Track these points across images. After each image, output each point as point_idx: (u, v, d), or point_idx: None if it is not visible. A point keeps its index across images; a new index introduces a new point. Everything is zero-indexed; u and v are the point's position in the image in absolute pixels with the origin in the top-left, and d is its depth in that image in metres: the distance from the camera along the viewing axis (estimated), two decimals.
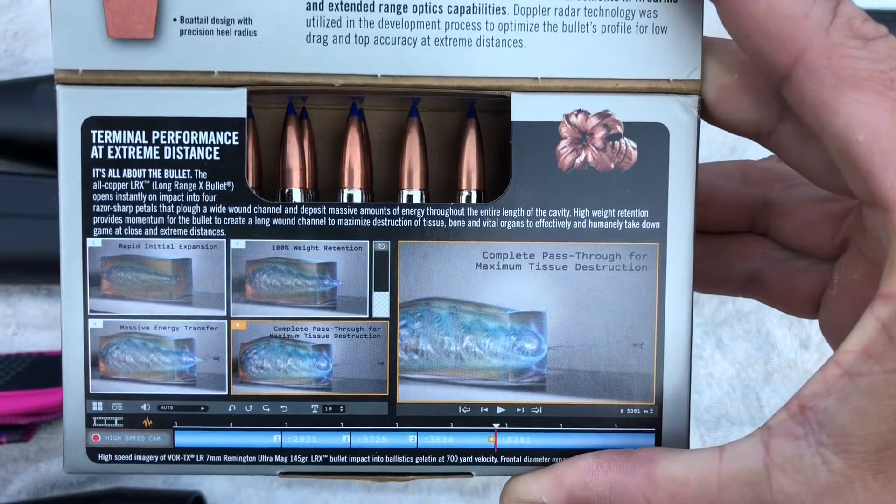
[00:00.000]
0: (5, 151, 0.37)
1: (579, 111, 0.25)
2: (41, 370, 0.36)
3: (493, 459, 0.26)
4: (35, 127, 0.36)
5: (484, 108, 0.27)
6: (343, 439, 0.26)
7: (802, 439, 0.22)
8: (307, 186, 0.27)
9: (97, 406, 0.26)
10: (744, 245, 0.29)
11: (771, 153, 0.30)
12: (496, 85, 0.25)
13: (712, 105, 0.25)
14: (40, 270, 0.36)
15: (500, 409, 0.26)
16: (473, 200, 0.27)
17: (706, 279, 0.30)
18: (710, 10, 0.25)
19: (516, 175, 0.25)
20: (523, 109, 0.25)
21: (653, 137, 0.25)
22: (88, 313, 0.26)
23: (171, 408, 0.26)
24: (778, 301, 0.29)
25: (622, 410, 0.26)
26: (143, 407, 0.26)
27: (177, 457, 0.26)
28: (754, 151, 0.28)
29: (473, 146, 0.27)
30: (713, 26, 0.26)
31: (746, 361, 0.42)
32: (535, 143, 0.25)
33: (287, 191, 0.27)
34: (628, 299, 0.26)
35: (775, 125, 0.25)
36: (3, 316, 0.40)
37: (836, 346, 0.22)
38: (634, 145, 0.25)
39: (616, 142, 0.25)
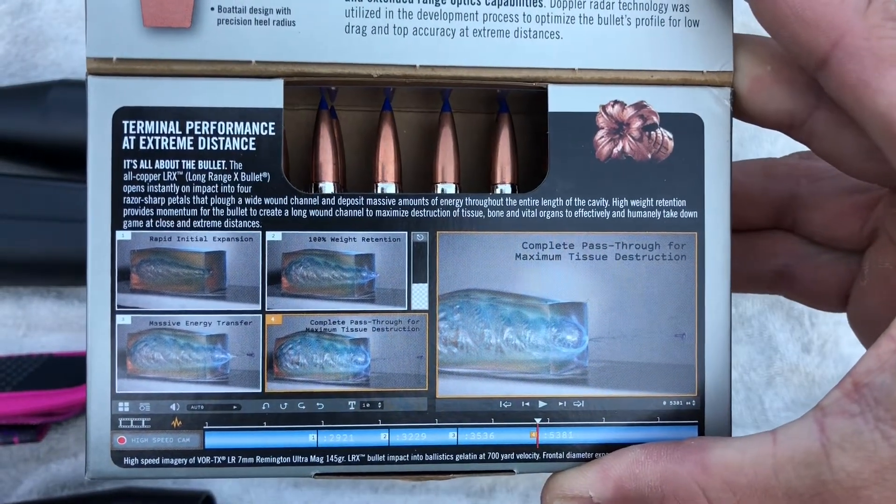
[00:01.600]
0: (16, 155, 0.36)
1: (616, 102, 0.26)
2: (53, 371, 0.35)
3: (535, 456, 0.25)
4: (46, 130, 0.35)
5: (512, 108, 0.28)
6: (381, 437, 0.25)
7: (859, 416, 0.22)
8: (339, 180, 0.27)
9: (124, 407, 0.25)
10: (770, 242, 0.30)
11: (792, 152, 0.30)
12: (533, 76, 0.25)
13: (745, 96, 0.26)
14: (51, 273, 0.36)
15: (541, 404, 0.25)
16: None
17: (734, 278, 0.30)
18: (738, 7, 0.26)
19: (554, 165, 0.25)
20: (560, 100, 0.25)
21: (688, 128, 0.26)
22: (116, 309, 0.25)
23: (202, 407, 0.25)
24: (806, 296, 0.29)
25: (665, 403, 0.26)
26: (173, 407, 0.25)
27: (207, 459, 0.25)
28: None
29: (507, 140, 0.27)
30: (741, 24, 0.26)
31: (749, 365, 0.43)
32: (572, 133, 0.25)
33: (319, 186, 0.26)
34: (669, 289, 0.26)
35: (809, 114, 0.25)
36: (14, 318, 0.39)
37: (867, 338, 0.22)
38: (671, 135, 0.26)
39: (653, 132, 0.26)
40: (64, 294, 0.39)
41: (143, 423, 0.25)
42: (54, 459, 0.38)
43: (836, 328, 0.44)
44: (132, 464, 0.25)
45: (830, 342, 0.44)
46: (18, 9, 0.40)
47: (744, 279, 0.30)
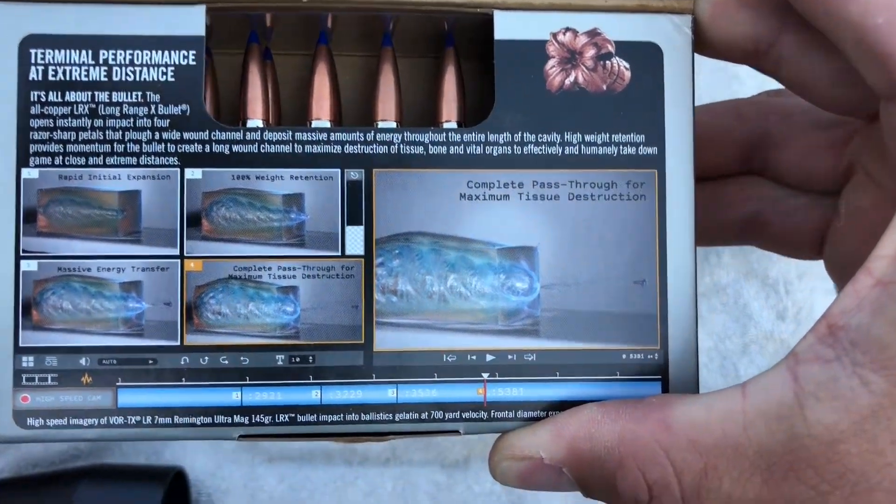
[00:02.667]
0: None
1: (567, 29, 0.24)
2: None
3: (483, 414, 0.23)
4: None
5: (463, 52, 0.25)
6: (313, 395, 0.23)
7: (835, 362, 0.19)
8: (270, 121, 0.25)
9: (28, 361, 0.22)
10: (739, 187, 0.28)
11: (759, 92, 0.28)
12: (479, 1, 0.23)
13: (707, 23, 0.24)
14: None
15: (489, 357, 0.23)
16: None
17: (701, 230, 0.28)
18: None
19: (501, 97, 0.23)
20: (508, 27, 0.23)
21: (646, 58, 0.24)
22: (21, 254, 0.22)
23: (115, 362, 0.23)
24: (780, 243, 0.27)
25: (624, 356, 0.23)
26: (83, 361, 0.23)
27: (120, 419, 0.23)
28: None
29: (453, 75, 0.25)
30: None
31: (724, 333, 0.41)
32: (520, 63, 0.23)
33: (245, 123, 0.24)
34: (626, 232, 0.23)
35: (775, 38, 0.23)
36: None
37: (846, 282, 0.20)
38: (627, 65, 0.24)
39: (607, 62, 0.24)
40: None
41: (49, 379, 0.22)
42: None
43: (811, 295, 0.44)
44: (37, 425, 0.22)
45: (805, 309, 0.43)
46: None
47: (713, 230, 0.28)
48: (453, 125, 0.25)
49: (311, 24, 0.25)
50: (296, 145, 0.23)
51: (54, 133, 0.23)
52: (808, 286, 0.46)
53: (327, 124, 0.24)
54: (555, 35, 0.24)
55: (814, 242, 0.27)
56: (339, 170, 0.23)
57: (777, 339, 0.43)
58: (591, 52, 0.24)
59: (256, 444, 0.36)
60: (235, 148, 0.23)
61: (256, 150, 0.23)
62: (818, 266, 0.48)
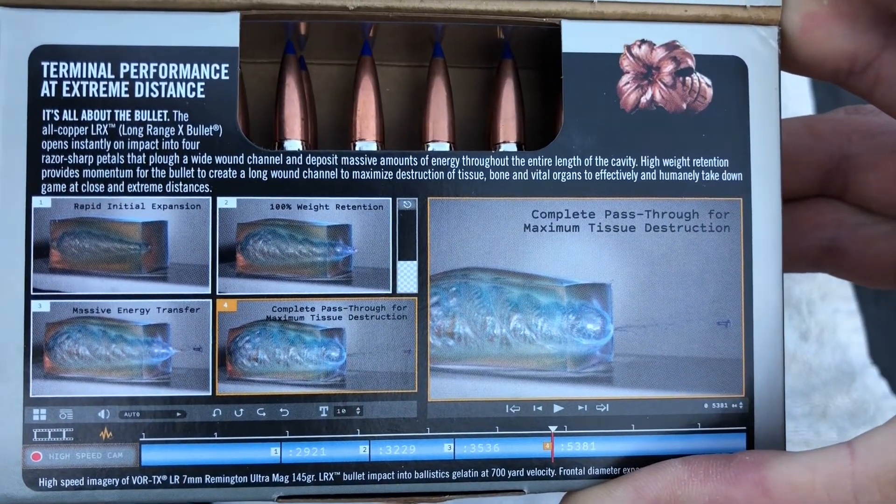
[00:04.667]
0: None
1: (643, 42, 0.21)
2: None
3: (550, 471, 0.21)
4: None
5: (518, 59, 0.23)
6: (360, 451, 0.20)
7: None
8: (308, 141, 0.22)
9: (40, 414, 0.20)
10: (815, 212, 0.25)
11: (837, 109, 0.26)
12: (544, 10, 0.21)
13: (797, 36, 0.21)
14: None
15: (556, 408, 0.21)
16: None
17: None
18: None
19: (570, 117, 0.21)
20: (577, 39, 0.21)
21: (729, 73, 0.21)
22: (32, 293, 0.20)
23: (138, 414, 0.20)
24: (857, 273, 0.25)
25: (706, 405, 0.21)
26: (101, 414, 0.20)
27: (144, 479, 0.20)
28: None
29: (511, 90, 0.22)
30: None
31: None
32: (591, 78, 0.21)
33: (283, 145, 0.22)
34: (709, 267, 0.21)
35: (875, 55, 0.21)
36: None
37: None
38: (709, 82, 0.21)
39: (687, 77, 0.21)
40: None
41: (63, 434, 0.20)
42: None
43: (834, 316, 0.43)
44: (49, 486, 0.20)
45: (828, 330, 0.43)
46: None
47: (785, 258, 0.26)
48: (513, 147, 0.22)
49: (349, 30, 0.23)
50: (342, 171, 0.21)
51: (69, 156, 0.20)
52: (830, 307, 0.45)
53: (373, 145, 0.22)
54: (629, 48, 0.21)
55: (895, 272, 0.24)
56: (389, 198, 0.21)
57: (800, 360, 0.42)
58: (669, 67, 0.21)
59: None
60: (274, 174, 0.20)
61: (298, 177, 0.20)
62: (841, 287, 0.47)
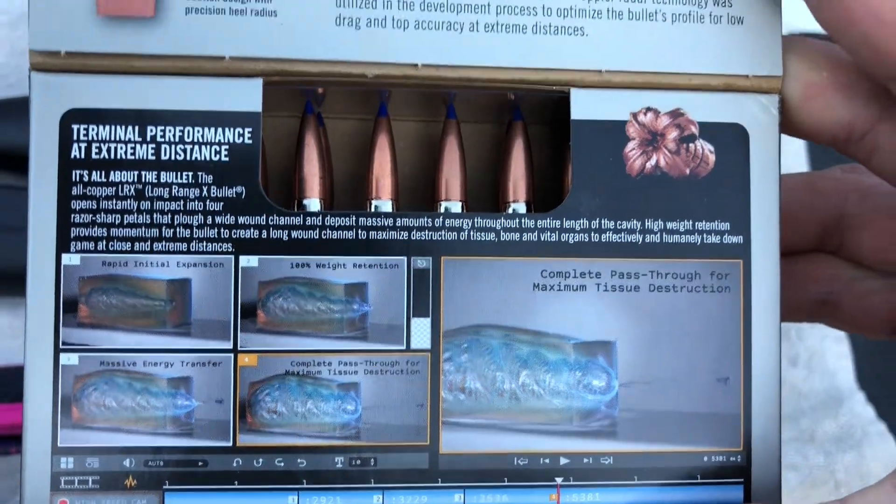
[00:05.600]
0: (18, 166, 0.35)
1: (648, 109, 0.22)
2: None
3: None
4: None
5: (527, 119, 0.24)
6: (374, 500, 0.21)
7: None
8: (326, 198, 0.23)
9: (67, 463, 0.21)
10: (812, 266, 0.26)
11: (834, 166, 0.27)
12: (554, 78, 0.22)
13: (797, 105, 0.22)
14: None
15: (563, 461, 0.22)
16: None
17: None
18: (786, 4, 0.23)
19: (578, 181, 0.22)
20: (585, 106, 0.22)
21: (731, 140, 0.22)
22: (60, 346, 0.21)
23: (162, 463, 0.21)
24: (852, 324, 0.26)
25: (706, 458, 0.22)
26: (126, 463, 0.21)
27: None
28: None
29: (521, 151, 0.23)
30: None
31: None
32: (599, 144, 0.22)
33: (303, 203, 0.23)
34: (710, 326, 0.22)
35: (871, 125, 0.22)
36: (12, 328, 0.39)
37: None
38: (712, 148, 0.22)
39: (691, 144, 0.22)
40: None
41: (90, 482, 0.21)
42: None
43: (822, 342, 0.44)
44: None
45: (817, 356, 0.44)
46: (16, 20, 0.39)
47: (783, 309, 0.26)
48: (522, 206, 0.23)
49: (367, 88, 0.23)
50: (359, 231, 0.21)
51: (97, 216, 0.21)
52: (819, 333, 0.47)
53: (389, 204, 0.23)
54: (635, 115, 0.22)
55: (891, 324, 0.25)
56: (405, 257, 0.21)
57: (789, 385, 0.43)
58: (673, 134, 0.22)
59: None
60: (294, 234, 0.21)
61: (317, 237, 0.21)
62: None
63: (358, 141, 0.25)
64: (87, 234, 0.21)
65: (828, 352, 0.47)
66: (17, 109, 0.37)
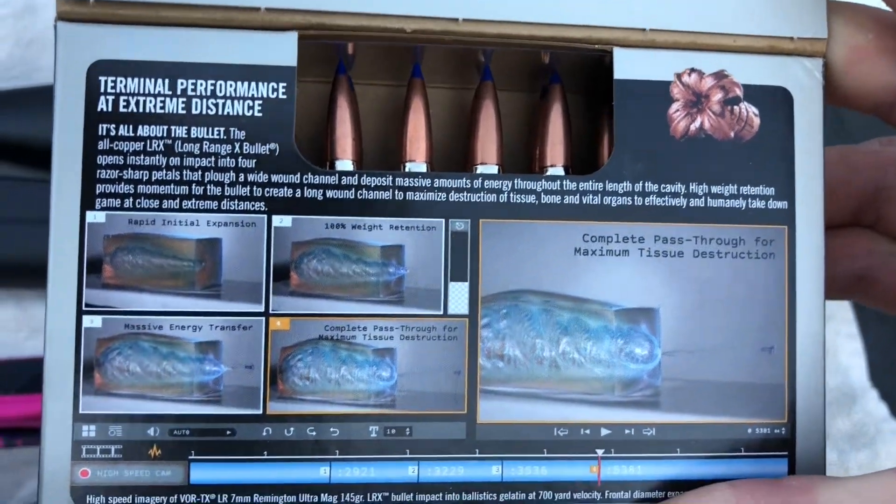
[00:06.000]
0: (22, 158, 0.36)
1: (692, 70, 0.22)
2: None
3: (596, 495, 0.21)
4: (51, 133, 0.34)
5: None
6: (409, 471, 0.20)
7: None
8: (358, 161, 0.22)
9: (89, 431, 0.20)
10: (849, 240, 0.26)
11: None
12: (597, 37, 0.21)
13: (841, 69, 0.22)
14: None
15: (604, 431, 0.21)
16: None
17: None
18: None
19: (621, 142, 0.21)
20: (628, 66, 0.21)
21: (775, 103, 0.22)
22: (83, 308, 0.20)
23: (188, 432, 0.20)
24: (887, 301, 0.26)
25: (749, 430, 0.21)
26: (151, 431, 0.20)
27: (192, 497, 0.20)
28: None
29: (560, 114, 0.23)
30: None
31: None
32: (642, 105, 0.21)
33: (334, 165, 0.22)
34: (755, 293, 0.21)
35: None
36: (16, 321, 0.38)
37: None
38: (756, 111, 0.22)
39: (735, 106, 0.22)
40: None
41: (112, 451, 0.20)
42: None
43: (835, 338, 0.44)
44: (97, 503, 0.20)
45: (830, 353, 0.43)
46: (22, 11, 0.39)
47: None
48: (560, 171, 0.22)
49: (396, 53, 0.23)
50: (396, 191, 0.21)
51: (124, 172, 0.20)
52: (831, 329, 0.46)
53: (423, 167, 0.22)
54: (679, 76, 0.21)
55: None
56: (442, 220, 0.21)
57: None
58: (718, 96, 0.22)
59: None
60: (330, 193, 0.20)
61: (353, 197, 0.21)
62: (842, 310, 0.47)
63: (387, 107, 0.24)
64: (113, 190, 0.20)
65: (840, 349, 0.47)
66: (22, 101, 0.37)
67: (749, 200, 0.21)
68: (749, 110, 0.22)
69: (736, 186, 0.21)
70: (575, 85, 0.24)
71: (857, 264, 0.26)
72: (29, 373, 0.35)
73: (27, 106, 0.36)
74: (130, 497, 0.20)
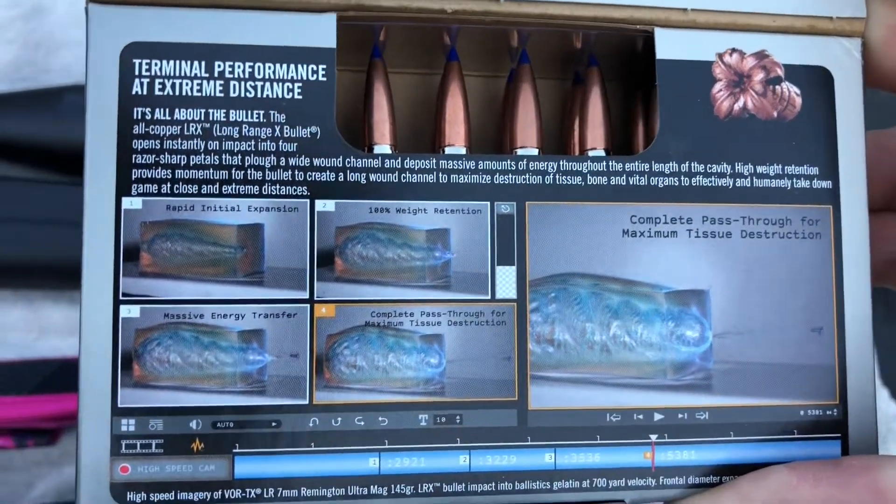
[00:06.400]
0: (30, 159, 0.36)
1: (734, 50, 0.21)
2: (67, 375, 0.35)
3: (651, 481, 0.20)
4: (60, 135, 0.35)
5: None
6: (460, 460, 0.20)
7: None
8: (396, 146, 0.22)
9: (128, 425, 0.19)
10: (881, 226, 0.26)
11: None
12: (637, 17, 0.21)
13: (880, 49, 0.22)
14: (63, 277, 0.36)
15: (657, 416, 0.20)
16: None
17: None
18: None
19: (665, 123, 0.21)
20: (670, 46, 0.21)
21: (816, 83, 0.22)
22: (121, 298, 0.19)
23: (231, 424, 0.19)
24: None
25: (802, 412, 0.21)
26: (193, 424, 0.19)
27: (237, 493, 0.19)
28: None
29: (599, 98, 0.22)
30: None
31: None
32: (685, 85, 0.21)
33: (372, 149, 0.21)
34: (802, 274, 0.21)
35: None
36: (27, 322, 0.38)
37: None
38: (798, 91, 0.21)
39: (777, 86, 0.21)
40: (76, 298, 0.37)
41: (153, 446, 0.19)
42: (67, 463, 0.37)
43: None
44: (138, 500, 0.19)
45: None
46: (30, 13, 0.39)
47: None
48: (601, 153, 0.22)
49: (426, 39, 0.22)
50: (440, 174, 0.20)
51: (161, 156, 0.19)
52: None
53: (463, 151, 0.21)
54: (721, 56, 0.21)
55: None
56: (488, 203, 0.20)
57: None
58: (760, 76, 0.21)
59: None
60: (374, 177, 0.20)
61: (396, 180, 0.20)
62: None
63: (417, 95, 0.24)
64: (149, 175, 0.19)
65: None
66: (31, 103, 0.36)
67: (794, 180, 0.21)
68: (791, 90, 0.21)
69: (780, 166, 0.21)
70: (606, 70, 0.24)
71: (891, 249, 0.26)
72: (40, 374, 0.34)
73: (36, 107, 0.36)
74: (173, 493, 0.19)
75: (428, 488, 0.20)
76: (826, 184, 0.21)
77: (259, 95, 0.20)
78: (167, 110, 0.19)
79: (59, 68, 0.38)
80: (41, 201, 0.34)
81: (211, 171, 0.19)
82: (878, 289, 0.27)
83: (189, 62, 0.20)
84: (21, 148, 0.35)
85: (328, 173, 0.20)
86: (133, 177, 0.19)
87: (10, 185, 0.34)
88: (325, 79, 0.20)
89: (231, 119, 0.20)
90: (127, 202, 0.19)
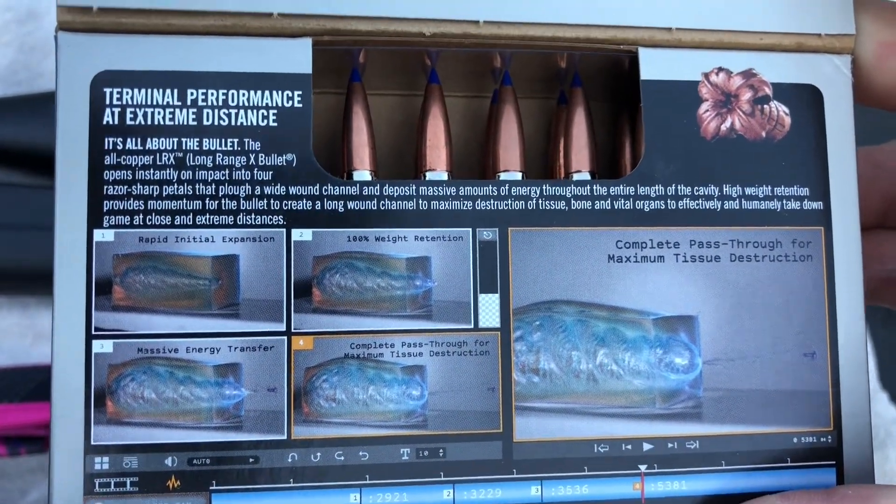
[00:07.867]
0: (23, 164, 0.35)
1: (720, 69, 0.21)
2: None
3: None
4: (54, 140, 0.34)
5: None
6: (444, 494, 0.19)
7: None
8: (376, 171, 0.21)
9: (102, 463, 0.18)
10: (874, 243, 0.25)
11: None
12: (621, 37, 0.21)
13: (869, 66, 0.21)
14: None
15: (646, 446, 0.20)
16: None
17: None
18: None
19: (651, 144, 0.20)
20: (655, 66, 0.21)
21: (805, 102, 0.21)
22: (93, 332, 0.19)
23: (208, 461, 0.19)
24: None
25: (795, 440, 0.20)
26: (168, 461, 0.19)
27: None
28: None
29: (583, 118, 0.22)
30: None
31: None
32: (671, 106, 0.21)
33: (351, 175, 0.21)
34: (793, 297, 0.21)
35: None
36: (21, 328, 0.38)
37: None
38: (786, 110, 0.21)
39: (765, 105, 0.21)
40: None
41: (128, 484, 0.18)
42: None
43: None
44: None
45: None
46: (25, 17, 0.39)
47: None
48: (586, 176, 0.22)
49: (407, 61, 0.22)
50: (420, 201, 0.20)
51: (133, 187, 0.19)
52: None
53: (445, 175, 0.21)
54: (707, 76, 0.21)
55: None
56: (469, 229, 0.20)
57: None
58: (747, 95, 0.21)
59: None
60: (351, 205, 0.19)
61: (374, 207, 0.20)
62: None
63: (396, 118, 0.24)
64: (121, 207, 0.19)
65: None
66: (25, 107, 0.36)
67: (784, 201, 0.21)
68: (779, 109, 0.21)
69: (770, 187, 0.21)
70: (591, 90, 0.23)
71: (885, 267, 0.25)
72: (34, 380, 0.34)
73: (31, 112, 0.35)
74: None
75: None
76: (817, 205, 0.21)
77: (233, 123, 0.19)
78: (139, 139, 0.19)
79: (53, 73, 0.38)
80: (37, 207, 0.34)
81: (184, 201, 0.19)
82: None
83: (161, 90, 0.19)
84: (16, 153, 0.34)
85: (305, 201, 0.19)
86: (105, 208, 0.19)
87: (4, 190, 0.34)
88: (300, 105, 0.20)
89: (205, 148, 0.19)
90: (98, 234, 0.19)
